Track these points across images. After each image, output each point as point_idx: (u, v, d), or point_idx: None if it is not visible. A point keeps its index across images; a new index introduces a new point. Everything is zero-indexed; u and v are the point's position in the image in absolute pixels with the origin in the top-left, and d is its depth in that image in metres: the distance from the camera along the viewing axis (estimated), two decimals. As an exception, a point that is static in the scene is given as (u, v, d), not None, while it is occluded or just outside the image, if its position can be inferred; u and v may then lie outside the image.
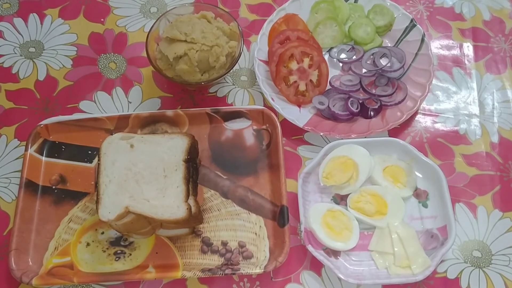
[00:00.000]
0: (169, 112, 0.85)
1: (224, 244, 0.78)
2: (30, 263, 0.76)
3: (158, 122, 0.86)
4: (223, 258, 0.77)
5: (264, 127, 0.87)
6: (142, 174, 0.75)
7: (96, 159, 0.80)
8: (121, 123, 0.86)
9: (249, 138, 0.86)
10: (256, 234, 0.78)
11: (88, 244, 0.78)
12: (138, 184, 0.74)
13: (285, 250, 0.74)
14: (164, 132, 0.85)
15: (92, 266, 0.76)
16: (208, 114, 0.86)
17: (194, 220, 0.75)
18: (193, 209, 0.73)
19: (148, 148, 0.77)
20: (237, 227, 0.79)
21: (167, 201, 0.73)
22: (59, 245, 0.78)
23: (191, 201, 0.74)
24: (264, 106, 0.86)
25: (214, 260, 0.76)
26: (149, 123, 0.86)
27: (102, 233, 0.79)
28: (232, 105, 0.91)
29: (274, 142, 0.84)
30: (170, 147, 0.77)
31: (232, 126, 0.87)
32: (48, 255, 0.77)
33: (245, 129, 0.87)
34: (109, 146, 0.77)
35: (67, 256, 0.77)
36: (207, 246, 0.78)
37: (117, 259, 0.77)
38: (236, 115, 0.87)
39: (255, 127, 0.87)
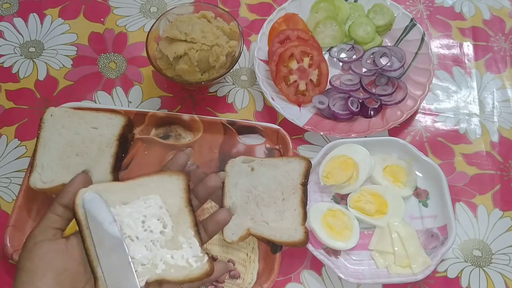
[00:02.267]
0: (185, 116, 0.85)
1: (214, 259, 0.76)
2: None
3: (174, 124, 0.86)
4: None
5: (276, 147, 0.86)
6: (262, 197, 0.75)
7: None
8: (137, 119, 0.85)
9: (260, 156, 0.84)
10: (247, 255, 0.77)
11: None
12: (258, 207, 0.75)
13: (272, 278, 0.73)
14: (177, 134, 0.86)
15: None
16: (223, 124, 0.85)
17: None
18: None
19: (268, 171, 0.77)
20: (230, 244, 0.77)
21: (285, 224, 0.74)
22: None
23: (110, 176, 0.73)
24: (279, 126, 0.84)
25: None
26: (165, 124, 0.86)
27: None
28: (232, 106, 0.91)
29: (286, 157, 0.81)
30: (288, 171, 0.77)
31: (246, 141, 0.86)
32: None
33: (258, 146, 0.86)
34: (232, 169, 0.78)
35: None
36: None
37: None
38: (251, 130, 0.85)
39: (268, 145, 0.86)
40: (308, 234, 0.73)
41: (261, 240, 0.76)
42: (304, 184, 0.76)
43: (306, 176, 0.77)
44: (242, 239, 0.74)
